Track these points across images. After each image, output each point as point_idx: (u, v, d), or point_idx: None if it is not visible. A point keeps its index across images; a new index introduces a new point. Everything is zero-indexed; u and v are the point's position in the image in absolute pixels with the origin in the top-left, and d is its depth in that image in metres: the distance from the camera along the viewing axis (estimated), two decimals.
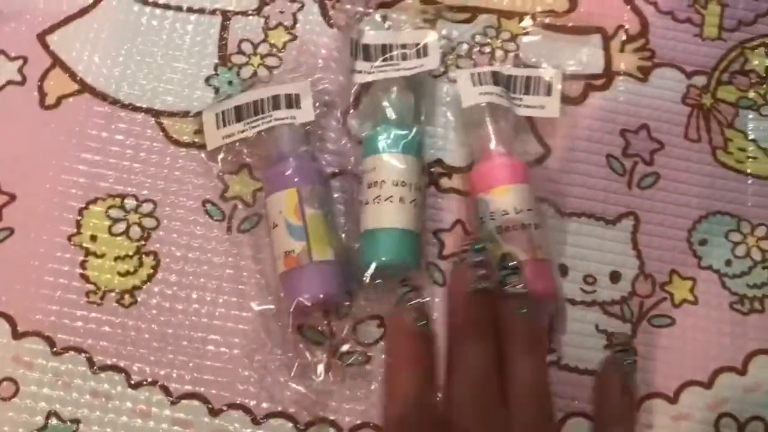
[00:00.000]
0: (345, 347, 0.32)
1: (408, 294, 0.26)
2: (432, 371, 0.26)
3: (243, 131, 0.33)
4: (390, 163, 0.31)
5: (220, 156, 0.33)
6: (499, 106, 0.33)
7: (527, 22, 0.36)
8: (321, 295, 0.30)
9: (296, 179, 0.31)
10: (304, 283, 0.30)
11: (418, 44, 0.34)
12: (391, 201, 0.31)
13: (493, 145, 0.32)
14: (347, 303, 0.32)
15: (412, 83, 0.34)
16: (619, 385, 0.30)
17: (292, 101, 0.33)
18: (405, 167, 0.31)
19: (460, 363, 0.25)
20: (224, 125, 0.33)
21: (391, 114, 0.33)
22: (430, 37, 0.35)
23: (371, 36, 0.35)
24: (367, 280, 0.30)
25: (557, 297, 0.32)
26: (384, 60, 0.34)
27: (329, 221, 0.31)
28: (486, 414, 0.25)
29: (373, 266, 0.30)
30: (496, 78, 0.34)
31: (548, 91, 0.34)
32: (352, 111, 0.35)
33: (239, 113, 0.33)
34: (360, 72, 0.34)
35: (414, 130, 0.32)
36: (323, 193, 0.32)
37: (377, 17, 0.36)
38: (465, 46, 0.36)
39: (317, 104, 0.34)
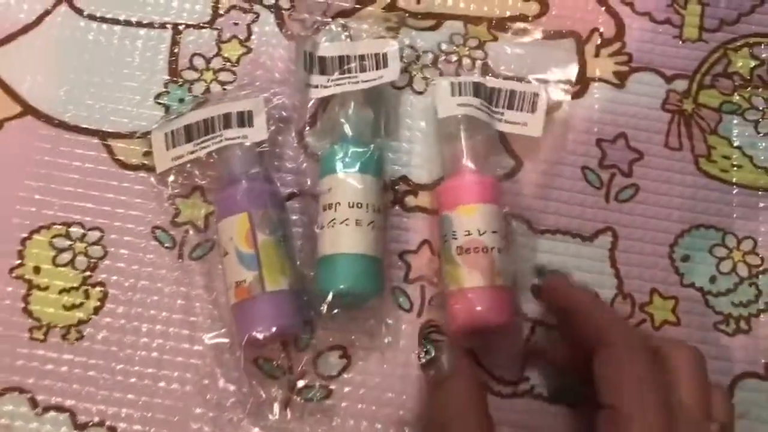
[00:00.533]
0: (303, 381, 0.30)
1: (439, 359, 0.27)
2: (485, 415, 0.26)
3: (193, 152, 0.31)
4: (346, 182, 0.29)
5: (170, 179, 0.32)
6: (476, 120, 0.31)
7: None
8: (274, 329, 0.28)
9: (247, 203, 0.29)
10: (257, 315, 0.28)
11: (377, 55, 0.33)
12: (347, 224, 0.29)
13: (464, 160, 0.30)
14: (305, 335, 0.30)
15: (371, 96, 0.32)
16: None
17: (245, 119, 0.31)
18: (362, 187, 0.29)
19: None
20: (173, 146, 0.31)
21: (348, 130, 0.31)
22: (390, 47, 0.33)
23: (327, 48, 0.33)
24: (325, 310, 0.29)
25: (515, 327, 0.30)
26: (341, 73, 0.32)
27: (284, 247, 0.29)
28: None
29: (330, 295, 0.28)
30: (478, 89, 0.32)
31: (532, 108, 0.32)
32: (308, 128, 0.33)
33: (189, 133, 0.31)
34: (316, 86, 0.32)
35: (372, 147, 0.30)
36: (277, 216, 0.30)
37: (336, 27, 0.34)
38: (430, 56, 0.34)
39: (272, 121, 0.32)
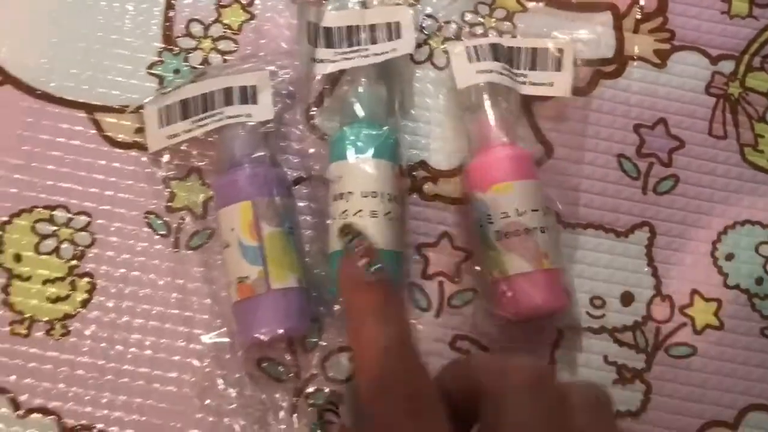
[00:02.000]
0: (312, 386, 0.27)
1: (353, 242, 0.22)
2: (402, 318, 0.22)
3: (190, 131, 0.28)
4: (358, 170, 0.26)
5: (164, 159, 0.29)
6: (500, 86, 0.28)
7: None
8: (280, 331, 0.25)
9: (251, 190, 0.26)
10: (261, 315, 0.25)
11: (389, 24, 0.29)
12: (360, 216, 0.26)
13: (493, 133, 0.27)
14: (313, 335, 0.28)
15: (385, 71, 0.29)
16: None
17: (248, 95, 0.28)
18: (376, 174, 0.26)
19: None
20: (168, 123, 0.28)
21: (359, 110, 0.28)
22: (404, 15, 0.29)
23: (333, 17, 0.30)
24: (338, 310, 0.26)
25: (570, 312, 0.28)
26: (349, 45, 0.29)
27: (291, 239, 0.27)
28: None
29: None
30: (496, 52, 0.29)
31: (558, 66, 0.29)
32: (315, 108, 0.30)
33: (186, 109, 0.28)
34: (321, 61, 0.29)
35: (387, 129, 0.27)
36: (284, 205, 0.27)
37: None
38: (453, 27, 0.31)
39: (278, 98, 0.29)
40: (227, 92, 0.28)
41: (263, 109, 0.28)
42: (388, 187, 0.26)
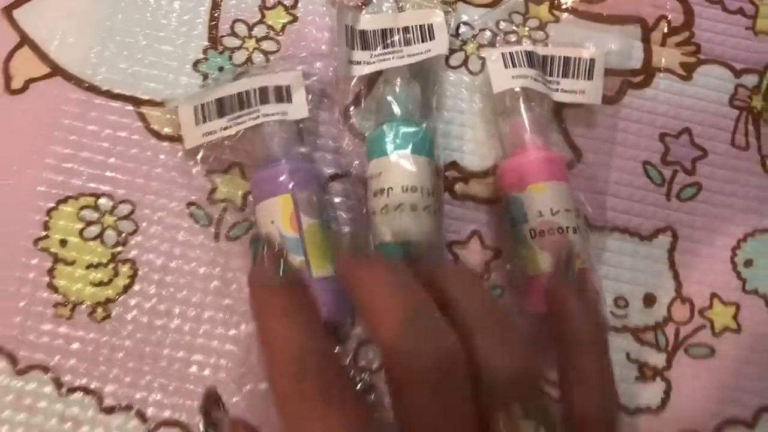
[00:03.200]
0: None
1: (260, 250, 0.23)
2: (311, 319, 0.22)
3: (226, 128, 0.29)
4: (398, 165, 0.27)
5: (200, 155, 0.30)
6: (534, 92, 0.29)
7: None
8: (328, 316, 0.26)
9: (291, 184, 0.27)
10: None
11: (422, 26, 0.30)
12: (401, 210, 0.27)
13: (528, 136, 0.28)
14: (345, 325, 0.29)
15: (418, 72, 0.30)
16: (570, 295, 0.25)
17: (283, 94, 0.29)
18: (415, 170, 0.27)
19: (377, 312, 0.21)
20: (204, 120, 0.29)
21: (396, 109, 0.29)
22: (436, 17, 0.30)
23: (368, 21, 0.31)
24: None
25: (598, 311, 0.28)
26: (384, 47, 0.30)
27: (328, 232, 0.28)
28: (427, 347, 0.20)
29: None
30: (531, 59, 0.30)
31: (589, 74, 0.30)
32: (353, 108, 0.31)
33: (222, 107, 0.29)
34: (358, 63, 0.30)
35: (424, 126, 0.28)
36: (322, 199, 0.28)
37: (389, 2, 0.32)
38: (488, 34, 0.32)
39: (312, 96, 0.30)
40: (263, 91, 0.29)
41: (298, 108, 0.29)
42: (426, 182, 0.27)
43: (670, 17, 0.33)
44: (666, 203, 0.31)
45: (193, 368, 0.28)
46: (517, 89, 0.29)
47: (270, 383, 0.22)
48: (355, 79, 0.31)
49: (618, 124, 0.32)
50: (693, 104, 0.32)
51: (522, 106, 0.29)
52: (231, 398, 0.28)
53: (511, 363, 0.21)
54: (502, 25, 0.32)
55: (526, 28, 0.32)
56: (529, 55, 0.30)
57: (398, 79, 0.29)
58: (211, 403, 0.25)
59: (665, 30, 0.33)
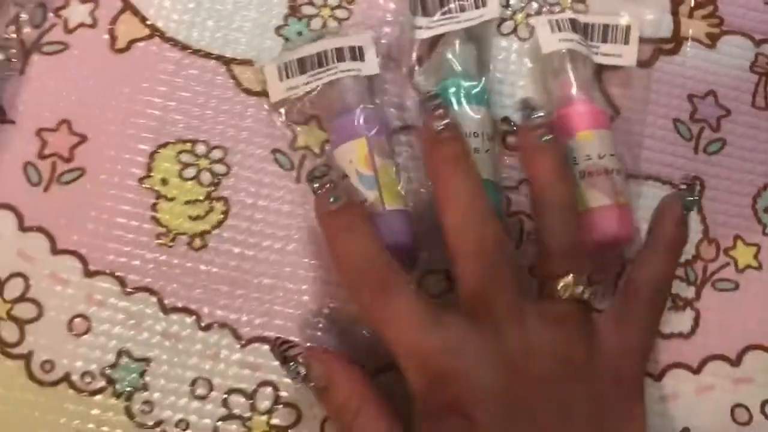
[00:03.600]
0: None
1: (319, 182, 0.29)
2: (373, 234, 0.28)
3: (307, 83, 0.33)
4: (461, 114, 0.32)
5: (283, 108, 0.33)
6: (578, 54, 0.33)
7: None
8: (398, 242, 0.30)
9: (365, 129, 0.31)
10: (383, 230, 0.30)
11: None
12: None
13: (574, 91, 0.32)
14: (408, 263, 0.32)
15: (474, 36, 0.34)
16: (676, 214, 0.30)
17: (356, 53, 0.33)
18: (478, 117, 0.31)
19: (447, 197, 0.28)
20: (287, 77, 0.33)
21: (456, 67, 0.33)
22: None
23: None
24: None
25: (636, 245, 0.32)
26: (443, 14, 0.34)
27: (398, 172, 0.32)
28: (482, 229, 0.27)
29: None
30: (574, 25, 0.34)
31: (626, 40, 0.34)
32: (417, 68, 0.35)
33: (303, 65, 0.33)
34: (420, 28, 0.34)
35: (483, 81, 0.33)
36: (391, 144, 0.32)
37: None
38: (535, 5, 0.36)
39: (382, 60, 0.34)
40: (339, 51, 0.33)
41: (370, 65, 0.33)
42: (486, 128, 0.32)
43: None
44: (694, 156, 0.35)
45: (280, 293, 0.32)
46: (564, 51, 0.33)
47: (349, 292, 0.28)
48: (417, 42, 0.35)
49: (651, 85, 0.35)
50: (717, 69, 0.36)
51: (568, 65, 0.33)
52: (312, 318, 0.32)
53: (569, 239, 0.27)
54: None
55: (569, 0, 0.36)
56: (573, 22, 0.34)
57: (457, 41, 0.34)
58: (283, 346, 0.28)
59: (692, 4, 0.37)
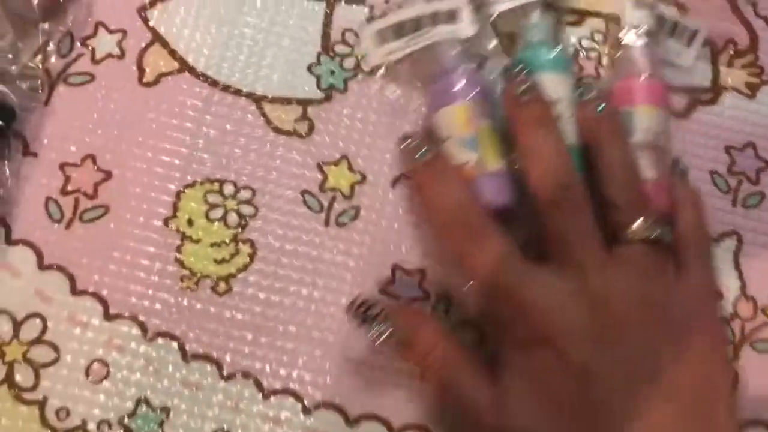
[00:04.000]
0: None
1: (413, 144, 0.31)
2: (463, 183, 0.30)
3: (405, 48, 0.33)
4: (546, 80, 0.32)
5: (380, 73, 0.34)
6: (654, 32, 0.34)
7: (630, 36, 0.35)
8: (502, 203, 0.30)
9: (466, 92, 0.31)
10: (485, 191, 0.30)
11: None
12: None
13: (642, 66, 0.33)
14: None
15: (550, 9, 0.34)
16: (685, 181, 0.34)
17: (452, 16, 0.33)
18: (560, 84, 0.32)
19: (532, 152, 0.30)
20: (385, 42, 0.33)
21: (536, 35, 0.33)
22: None
23: None
24: None
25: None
26: None
27: (497, 134, 0.32)
28: (565, 180, 0.29)
29: None
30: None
31: (689, 42, 0.35)
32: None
33: (400, 30, 0.33)
34: (494, 2, 0.35)
35: (561, 47, 0.33)
36: (490, 106, 0.32)
37: None
38: (571, 49, 0.36)
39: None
40: (434, 15, 0.33)
41: (466, 26, 0.33)
42: (569, 93, 0.32)
43: (737, 41, 0.36)
44: (732, 209, 0.34)
45: (305, 345, 0.31)
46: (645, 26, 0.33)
47: (439, 236, 0.31)
48: (494, 15, 0.34)
49: (687, 136, 0.35)
50: (757, 120, 0.35)
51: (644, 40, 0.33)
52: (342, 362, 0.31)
53: (633, 191, 0.30)
54: (584, 42, 0.36)
55: (606, 47, 0.36)
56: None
57: (536, 12, 0.34)
58: (362, 306, 0.28)
59: (732, 53, 0.36)
